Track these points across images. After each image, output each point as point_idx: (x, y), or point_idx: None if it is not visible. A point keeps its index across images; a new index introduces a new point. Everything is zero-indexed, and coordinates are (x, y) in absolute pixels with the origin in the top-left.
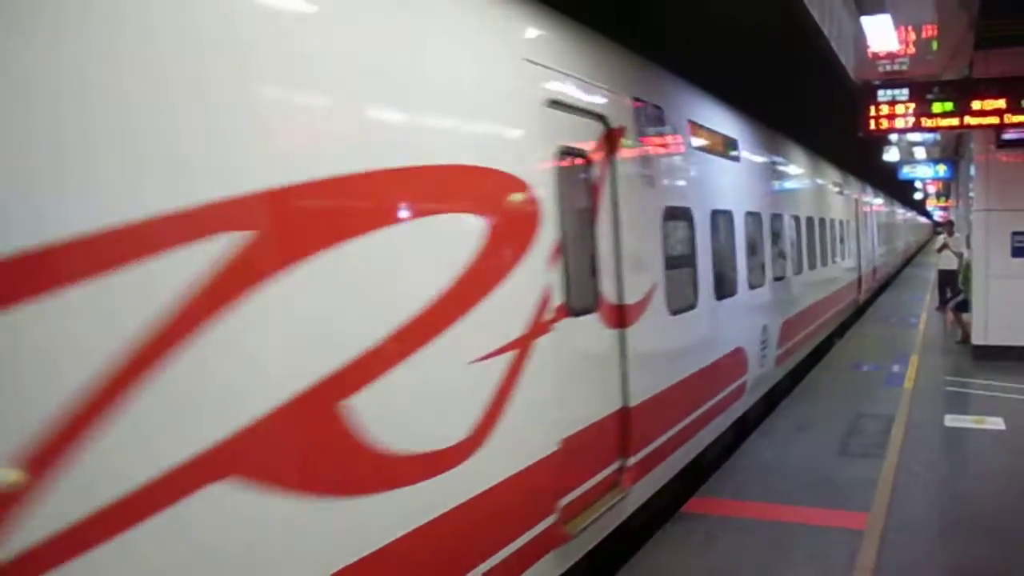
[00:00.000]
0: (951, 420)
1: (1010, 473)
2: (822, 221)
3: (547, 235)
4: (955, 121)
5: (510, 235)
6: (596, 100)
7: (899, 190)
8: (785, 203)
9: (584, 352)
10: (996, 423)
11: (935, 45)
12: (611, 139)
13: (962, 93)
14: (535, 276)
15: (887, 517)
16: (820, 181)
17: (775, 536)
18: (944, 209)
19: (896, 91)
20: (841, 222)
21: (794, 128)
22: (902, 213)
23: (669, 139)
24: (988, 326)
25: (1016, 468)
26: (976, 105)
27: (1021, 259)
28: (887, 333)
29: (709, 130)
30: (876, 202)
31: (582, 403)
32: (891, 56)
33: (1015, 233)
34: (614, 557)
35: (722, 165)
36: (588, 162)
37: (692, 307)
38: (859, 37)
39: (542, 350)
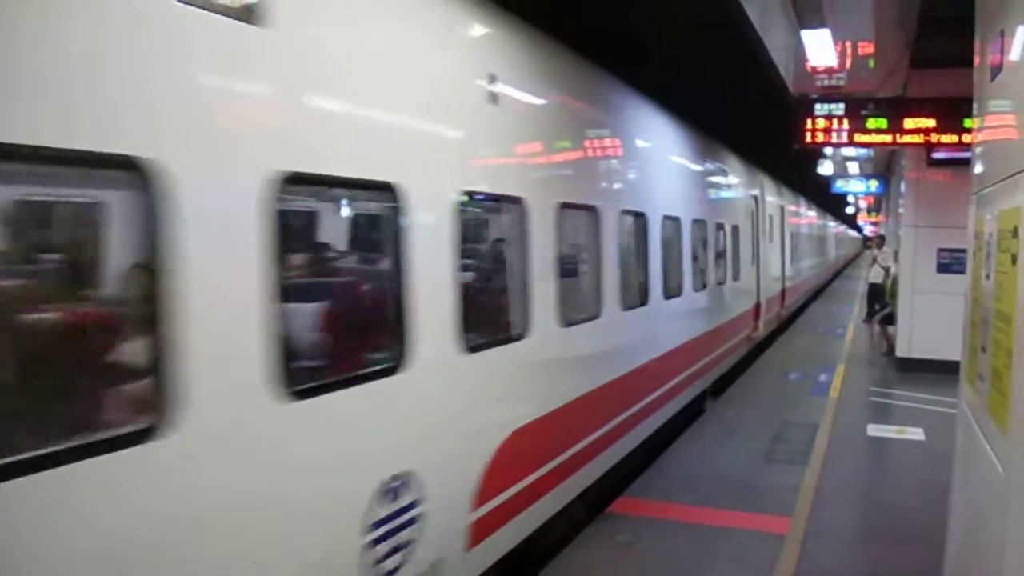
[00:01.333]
0: (874, 429)
1: (928, 481)
2: (676, 222)
3: None
4: (888, 138)
5: None
6: None
7: (832, 203)
8: (579, 184)
9: None
10: (916, 433)
11: (871, 63)
12: None
13: (896, 111)
14: None
15: (809, 522)
16: (684, 161)
17: (699, 538)
18: (875, 224)
19: (833, 106)
20: (723, 227)
21: (723, 132)
22: (833, 225)
23: None
24: (912, 339)
25: (934, 477)
26: (909, 123)
27: (946, 275)
28: (815, 343)
29: None
30: (793, 205)
31: None
32: (829, 71)
33: (941, 250)
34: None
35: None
36: None
37: None
38: (799, 50)
39: None
